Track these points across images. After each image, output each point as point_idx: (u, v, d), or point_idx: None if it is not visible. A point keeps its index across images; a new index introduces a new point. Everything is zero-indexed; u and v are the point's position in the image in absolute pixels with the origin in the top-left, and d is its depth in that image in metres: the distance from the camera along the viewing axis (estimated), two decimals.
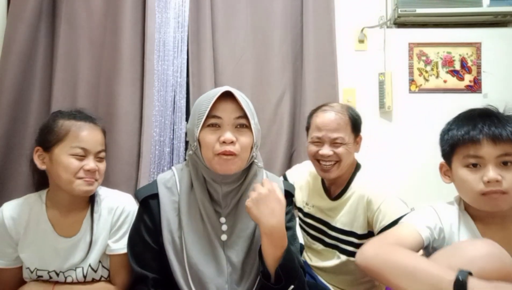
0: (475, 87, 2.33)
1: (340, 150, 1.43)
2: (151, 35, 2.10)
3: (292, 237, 1.18)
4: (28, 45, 2.04)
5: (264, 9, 2.22)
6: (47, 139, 1.23)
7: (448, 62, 2.33)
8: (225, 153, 1.05)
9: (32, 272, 1.25)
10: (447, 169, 1.11)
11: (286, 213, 1.15)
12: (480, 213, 1.05)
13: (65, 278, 1.26)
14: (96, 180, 1.25)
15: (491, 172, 0.97)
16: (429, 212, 1.08)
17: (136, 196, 1.15)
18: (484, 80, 2.32)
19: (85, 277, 1.27)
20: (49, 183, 1.29)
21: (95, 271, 1.28)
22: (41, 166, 1.25)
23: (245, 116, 1.08)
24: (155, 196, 1.12)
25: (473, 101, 2.27)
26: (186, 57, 2.19)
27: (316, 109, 1.54)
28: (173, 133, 2.17)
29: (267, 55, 2.21)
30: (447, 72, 2.33)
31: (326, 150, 1.44)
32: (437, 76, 2.33)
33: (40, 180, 1.31)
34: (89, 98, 2.12)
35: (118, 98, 2.07)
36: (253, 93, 2.15)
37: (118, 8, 2.10)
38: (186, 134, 2.19)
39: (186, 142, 2.19)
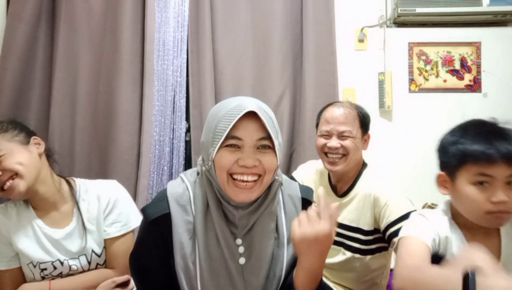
0: (475, 86, 2.32)
1: (347, 142, 1.46)
2: (150, 34, 2.10)
3: None
4: (27, 45, 2.05)
5: (264, 8, 2.22)
6: None
7: (448, 61, 2.33)
8: (244, 173, 0.93)
9: (35, 267, 1.25)
10: (445, 180, 1.07)
11: None
12: (468, 223, 1.05)
13: (70, 266, 1.27)
14: (14, 177, 1.18)
15: (501, 194, 0.97)
16: (427, 224, 1.07)
17: (144, 214, 1.02)
18: (484, 80, 2.32)
19: (89, 263, 1.30)
20: None
21: (99, 256, 1.31)
22: None
23: (269, 137, 0.94)
24: (167, 215, 0.98)
25: (473, 101, 2.28)
26: (186, 56, 2.20)
27: (327, 105, 1.59)
28: (172, 132, 2.17)
29: (266, 54, 2.21)
30: (447, 72, 2.33)
31: (333, 142, 1.47)
32: (437, 76, 2.33)
33: None
34: (88, 97, 2.12)
35: (117, 97, 2.08)
36: (253, 92, 2.15)
37: (118, 7, 2.10)
38: (186, 133, 2.20)
39: (186, 142, 2.19)
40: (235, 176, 0.93)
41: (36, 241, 1.26)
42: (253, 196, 0.95)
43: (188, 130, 2.20)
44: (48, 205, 1.29)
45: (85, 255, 1.29)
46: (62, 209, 1.31)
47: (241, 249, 1.00)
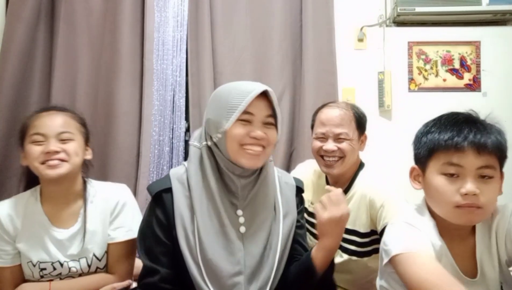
0: (474, 85, 2.33)
1: (344, 145, 1.44)
2: (150, 34, 2.10)
3: (305, 234, 1.23)
4: (27, 45, 2.05)
5: (263, 8, 2.22)
6: (20, 137, 1.28)
7: (447, 60, 2.33)
8: (253, 144, 1.06)
9: (35, 266, 1.25)
10: (418, 174, 1.04)
11: (299, 212, 1.20)
12: (446, 226, 0.99)
13: (69, 268, 1.26)
14: (64, 160, 1.24)
15: (470, 185, 0.90)
16: (420, 235, 0.99)
17: (148, 190, 1.13)
18: (483, 79, 2.32)
19: (89, 266, 1.28)
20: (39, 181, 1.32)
21: (100, 260, 1.30)
22: (22, 162, 1.28)
23: (274, 114, 1.10)
24: (169, 190, 1.10)
25: (472, 100, 2.28)
26: (185, 56, 2.19)
27: (322, 106, 1.56)
28: (172, 132, 2.17)
29: (266, 54, 2.21)
30: (446, 71, 2.33)
31: (330, 145, 1.45)
32: (437, 75, 2.33)
33: (30, 180, 1.34)
34: (88, 97, 2.12)
35: (117, 97, 2.07)
36: None
37: (117, 7, 2.10)
38: (185, 133, 2.20)
39: (186, 142, 2.19)
40: (245, 147, 1.06)
41: (38, 240, 1.26)
42: (259, 163, 1.09)
43: (187, 130, 2.20)
44: (61, 200, 1.29)
45: (86, 258, 1.28)
46: (71, 208, 1.30)
47: (241, 219, 1.10)
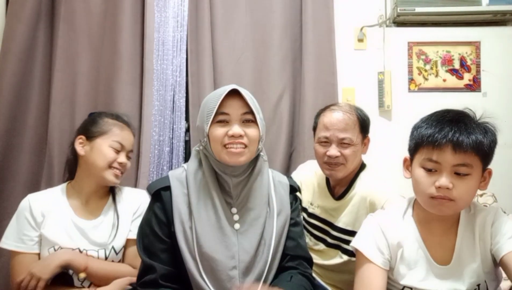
0: (474, 86, 2.33)
1: (347, 151, 1.43)
2: (150, 34, 2.10)
3: (302, 232, 1.26)
4: (27, 45, 2.04)
5: (263, 8, 2.22)
6: (92, 130, 1.42)
7: (447, 61, 2.33)
8: (233, 143, 1.11)
9: (55, 251, 1.32)
10: (409, 164, 1.12)
11: (294, 210, 1.24)
12: (425, 217, 1.09)
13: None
14: (122, 173, 1.43)
15: (444, 179, 0.99)
16: (378, 237, 1.10)
17: (148, 190, 1.20)
18: (483, 79, 2.32)
19: (106, 258, 1.36)
20: (75, 175, 1.45)
21: (117, 254, 1.38)
22: (80, 151, 1.40)
23: (251, 112, 1.14)
24: (167, 188, 1.16)
25: (472, 100, 2.28)
26: (185, 56, 2.19)
27: (324, 108, 1.54)
28: (172, 132, 2.17)
29: (266, 54, 2.21)
30: (446, 71, 2.33)
31: (333, 151, 1.43)
32: (437, 75, 2.33)
33: (70, 171, 1.48)
34: (88, 97, 2.12)
35: (117, 97, 2.07)
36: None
37: (117, 7, 2.10)
38: (185, 133, 2.20)
39: (186, 142, 2.19)
40: (227, 146, 1.12)
41: (63, 226, 1.35)
42: (242, 159, 1.13)
43: (187, 130, 2.20)
44: (90, 195, 1.41)
45: (105, 249, 1.35)
46: (95, 203, 1.42)
47: (236, 217, 1.15)
